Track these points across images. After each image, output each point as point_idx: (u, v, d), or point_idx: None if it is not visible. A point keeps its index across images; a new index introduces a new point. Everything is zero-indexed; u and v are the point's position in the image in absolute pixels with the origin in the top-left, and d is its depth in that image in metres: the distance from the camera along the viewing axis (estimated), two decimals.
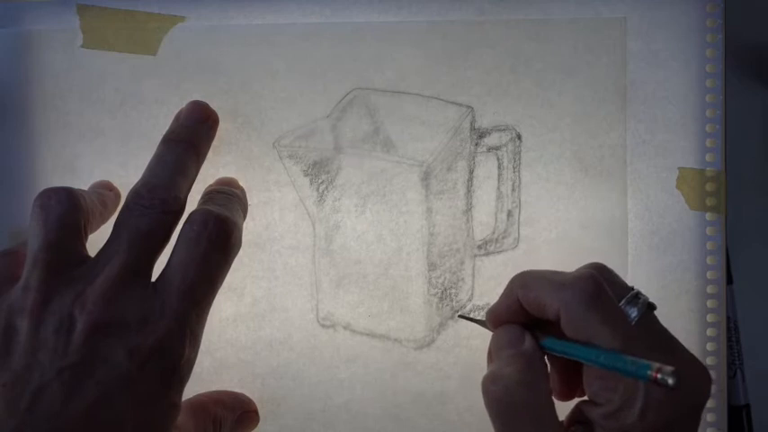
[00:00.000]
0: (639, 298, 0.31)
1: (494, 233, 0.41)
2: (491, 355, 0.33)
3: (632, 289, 0.32)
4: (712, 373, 0.41)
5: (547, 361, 0.33)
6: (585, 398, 0.31)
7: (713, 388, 0.41)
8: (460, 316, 0.40)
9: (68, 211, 0.34)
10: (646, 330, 0.30)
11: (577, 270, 0.32)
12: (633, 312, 0.31)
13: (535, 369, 0.31)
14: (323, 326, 0.42)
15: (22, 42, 0.41)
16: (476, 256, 0.42)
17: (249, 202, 0.40)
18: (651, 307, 0.31)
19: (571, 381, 0.33)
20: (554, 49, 0.41)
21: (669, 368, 0.27)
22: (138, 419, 0.31)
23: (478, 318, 0.36)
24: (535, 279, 0.32)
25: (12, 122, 0.42)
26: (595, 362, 0.29)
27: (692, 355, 0.31)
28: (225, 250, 0.34)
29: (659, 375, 0.27)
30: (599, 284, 0.31)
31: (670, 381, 0.27)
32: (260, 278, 0.41)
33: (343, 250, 0.41)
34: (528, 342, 0.32)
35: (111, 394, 0.30)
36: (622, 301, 0.31)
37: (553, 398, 0.33)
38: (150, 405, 0.31)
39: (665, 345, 0.31)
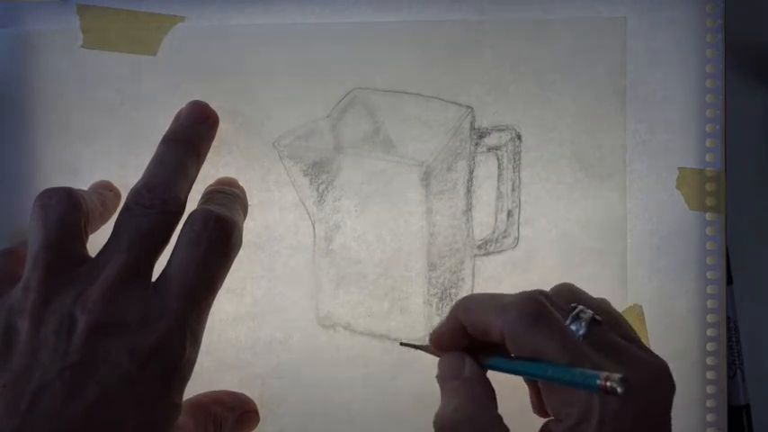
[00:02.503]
0: (582, 315, 0.31)
1: (494, 233, 0.41)
2: (439, 384, 0.33)
3: (575, 308, 0.31)
4: (712, 374, 0.41)
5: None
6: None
7: (713, 388, 0.41)
8: (402, 344, 0.39)
9: (68, 211, 0.34)
10: (595, 343, 0.30)
11: (518, 293, 0.32)
12: (580, 330, 0.30)
13: (477, 400, 0.31)
14: (323, 326, 0.42)
15: (22, 42, 0.41)
16: (476, 256, 0.42)
17: (249, 202, 0.40)
18: (596, 321, 0.31)
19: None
20: (554, 49, 0.41)
21: (617, 375, 0.26)
22: (138, 419, 0.31)
23: (422, 344, 0.36)
24: (477, 302, 0.32)
25: (12, 123, 0.42)
26: (543, 376, 0.29)
27: (651, 359, 0.31)
28: (225, 250, 0.34)
29: (608, 384, 0.26)
30: (540, 303, 0.31)
31: (619, 389, 0.26)
32: (260, 278, 0.41)
33: (343, 250, 0.41)
34: (468, 369, 0.32)
35: (111, 394, 0.30)
36: (567, 320, 0.31)
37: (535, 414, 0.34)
38: (151, 405, 0.31)
39: (616, 354, 0.30)
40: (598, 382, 0.27)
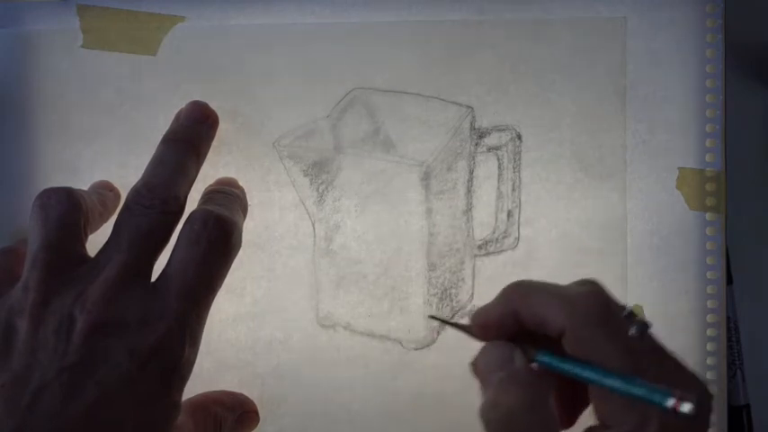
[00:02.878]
0: (634, 316, 0.29)
1: (494, 233, 0.41)
2: (479, 374, 0.30)
3: (625, 308, 0.30)
4: (712, 374, 0.41)
5: None
6: (593, 424, 0.30)
7: (713, 388, 0.41)
8: (432, 317, 0.37)
9: (68, 211, 0.34)
10: (647, 349, 0.29)
11: (579, 284, 0.30)
12: (631, 331, 0.29)
13: (537, 387, 0.29)
14: (323, 326, 0.42)
15: (22, 42, 0.41)
16: (476, 256, 0.42)
17: (249, 202, 0.40)
18: (647, 326, 0.29)
19: (572, 405, 0.31)
20: (554, 49, 0.41)
21: (691, 396, 0.25)
22: (138, 419, 0.31)
23: (457, 323, 0.34)
24: (537, 291, 0.30)
25: (12, 123, 0.42)
26: (605, 384, 0.28)
27: (692, 373, 0.29)
28: (225, 250, 0.34)
29: (680, 405, 0.25)
30: (608, 300, 0.29)
31: (691, 412, 0.25)
32: (260, 278, 0.41)
33: (343, 250, 0.41)
34: (519, 361, 0.29)
35: (111, 394, 0.30)
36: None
37: None
38: (150, 405, 0.31)
39: (666, 364, 0.29)
40: (670, 402, 0.26)
